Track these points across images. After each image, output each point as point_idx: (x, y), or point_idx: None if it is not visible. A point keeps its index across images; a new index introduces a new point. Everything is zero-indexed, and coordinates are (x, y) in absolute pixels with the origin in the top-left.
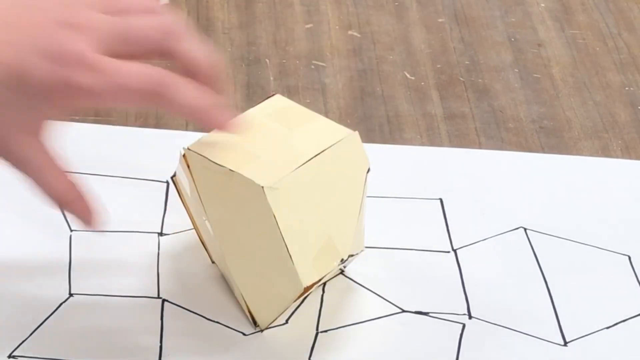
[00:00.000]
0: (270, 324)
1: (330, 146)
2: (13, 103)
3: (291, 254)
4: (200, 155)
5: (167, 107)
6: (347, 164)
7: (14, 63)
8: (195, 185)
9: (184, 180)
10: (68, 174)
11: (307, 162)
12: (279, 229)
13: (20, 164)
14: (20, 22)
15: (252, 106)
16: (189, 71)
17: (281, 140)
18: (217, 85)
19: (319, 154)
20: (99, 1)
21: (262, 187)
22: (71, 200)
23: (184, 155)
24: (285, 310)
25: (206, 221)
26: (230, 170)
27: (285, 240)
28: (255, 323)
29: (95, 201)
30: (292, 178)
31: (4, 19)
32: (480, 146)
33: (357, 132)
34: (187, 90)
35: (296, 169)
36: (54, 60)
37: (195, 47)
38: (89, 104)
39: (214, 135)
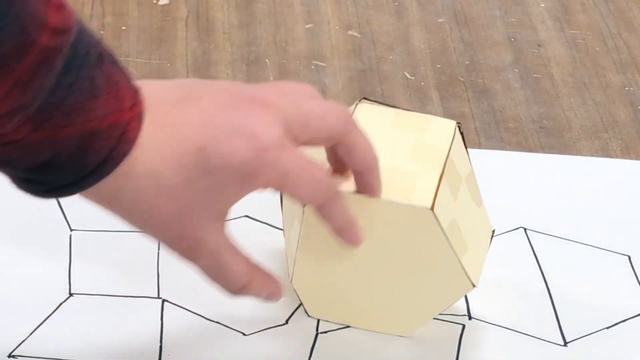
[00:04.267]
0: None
1: (450, 146)
2: (210, 187)
3: (459, 257)
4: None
5: (322, 214)
6: (462, 160)
7: (212, 143)
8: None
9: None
10: (246, 258)
11: (443, 168)
12: (447, 240)
13: (208, 253)
14: (206, 103)
15: None
16: (356, 161)
17: (404, 150)
18: (376, 181)
19: (447, 157)
20: (265, 86)
21: (429, 208)
22: (251, 285)
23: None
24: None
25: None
26: (386, 199)
27: (452, 247)
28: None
29: (270, 273)
30: (442, 190)
31: (191, 101)
32: (480, 146)
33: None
34: (342, 205)
35: (439, 180)
36: (253, 140)
37: (365, 139)
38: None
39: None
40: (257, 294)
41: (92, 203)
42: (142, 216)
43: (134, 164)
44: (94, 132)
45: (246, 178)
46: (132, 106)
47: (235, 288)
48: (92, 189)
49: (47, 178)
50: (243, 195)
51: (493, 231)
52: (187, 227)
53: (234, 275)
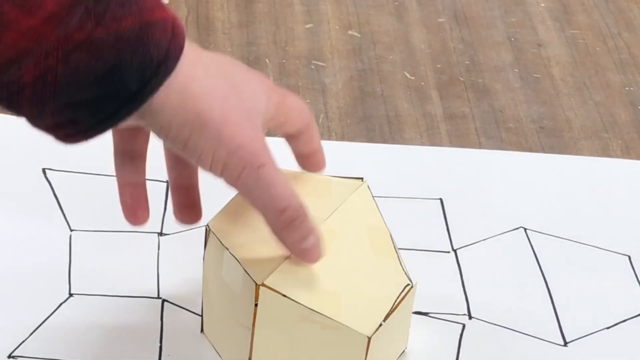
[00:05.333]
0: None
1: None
2: (250, 96)
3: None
4: (276, 291)
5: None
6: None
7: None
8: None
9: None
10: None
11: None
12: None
13: (265, 164)
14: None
15: None
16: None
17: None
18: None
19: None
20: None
21: (367, 336)
22: (297, 213)
23: (256, 287)
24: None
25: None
26: (328, 317)
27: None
28: None
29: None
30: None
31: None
32: (480, 146)
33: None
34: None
35: (386, 310)
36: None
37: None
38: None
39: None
40: (300, 227)
41: (156, 116)
42: (214, 116)
43: (193, 62)
44: (149, 23)
45: (269, 95)
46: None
47: (281, 207)
48: (161, 92)
49: (116, 88)
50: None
51: (409, 285)
52: (252, 131)
53: (282, 192)
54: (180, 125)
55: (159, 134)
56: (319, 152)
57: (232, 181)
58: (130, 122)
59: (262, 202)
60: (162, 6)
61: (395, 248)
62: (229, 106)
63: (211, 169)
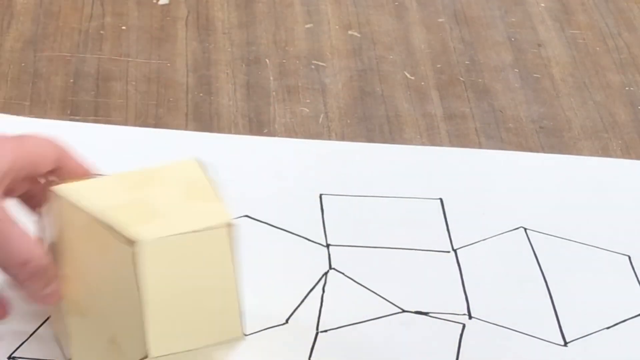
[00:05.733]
0: None
1: (205, 229)
2: None
3: (147, 318)
4: (67, 198)
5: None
6: (219, 253)
7: None
8: (56, 228)
9: (48, 221)
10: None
11: (181, 234)
12: (141, 288)
13: None
14: None
15: (252, 106)
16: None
17: (167, 206)
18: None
19: (194, 231)
20: None
21: (136, 241)
22: (39, 266)
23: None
24: None
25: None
26: (97, 218)
27: (143, 302)
28: None
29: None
30: (165, 242)
31: None
32: (480, 146)
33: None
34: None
35: (170, 235)
36: None
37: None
38: None
39: (93, 182)
40: (38, 281)
41: None
42: None
43: None
44: None
45: None
46: None
47: (21, 261)
48: None
49: None
50: None
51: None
52: None
53: (19, 245)
54: None
55: None
56: (89, 170)
57: None
58: None
59: (1, 257)
60: None
61: (220, 196)
62: None
63: None
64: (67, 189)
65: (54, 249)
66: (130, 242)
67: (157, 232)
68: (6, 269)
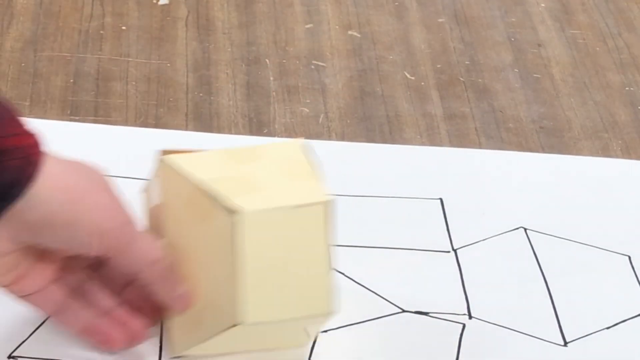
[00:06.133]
0: (184, 353)
1: (304, 205)
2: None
3: (242, 286)
4: (173, 167)
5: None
6: (314, 229)
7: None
8: (161, 196)
9: (154, 191)
10: None
11: (280, 208)
12: (239, 257)
13: (134, 235)
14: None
15: (252, 106)
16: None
17: (266, 183)
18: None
19: (293, 206)
20: None
21: (237, 212)
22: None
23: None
24: (206, 341)
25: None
26: (201, 188)
27: (240, 270)
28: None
29: None
30: (264, 215)
31: None
32: (480, 146)
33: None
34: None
35: (270, 208)
36: None
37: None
38: None
39: (199, 155)
40: (168, 280)
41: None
42: (68, 223)
43: (44, 184)
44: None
45: None
46: (30, 135)
47: (148, 261)
48: (9, 216)
49: None
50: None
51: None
52: (118, 214)
53: (146, 246)
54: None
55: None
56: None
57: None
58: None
59: (132, 258)
60: (20, 132)
61: (319, 176)
62: (96, 199)
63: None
64: (174, 159)
65: (158, 216)
66: (232, 213)
67: (258, 205)
68: (138, 271)
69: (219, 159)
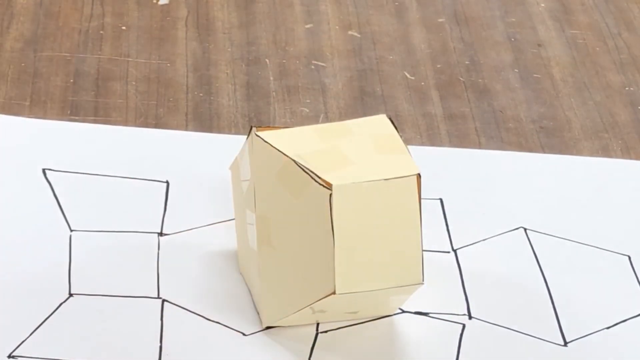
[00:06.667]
0: (275, 324)
1: (395, 178)
2: None
3: (336, 257)
4: (265, 141)
5: None
6: (406, 202)
7: None
8: (254, 169)
9: (244, 166)
10: None
11: (373, 181)
12: (333, 229)
13: None
14: None
15: (252, 106)
16: None
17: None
18: None
19: (385, 179)
20: None
21: (332, 185)
22: None
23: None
24: (298, 311)
25: (248, 212)
26: (296, 161)
27: (334, 242)
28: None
29: None
30: (358, 188)
31: None
32: (480, 146)
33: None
34: None
35: (363, 182)
36: None
37: None
38: None
39: (291, 130)
40: None
41: None
42: None
43: None
44: None
45: None
46: None
47: None
48: None
49: None
50: None
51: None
52: None
53: None
54: None
55: None
56: None
57: None
58: None
59: None
60: None
61: (408, 150)
62: None
63: None
64: (267, 134)
65: (250, 189)
66: (327, 186)
67: (351, 178)
68: None
69: (309, 134)
